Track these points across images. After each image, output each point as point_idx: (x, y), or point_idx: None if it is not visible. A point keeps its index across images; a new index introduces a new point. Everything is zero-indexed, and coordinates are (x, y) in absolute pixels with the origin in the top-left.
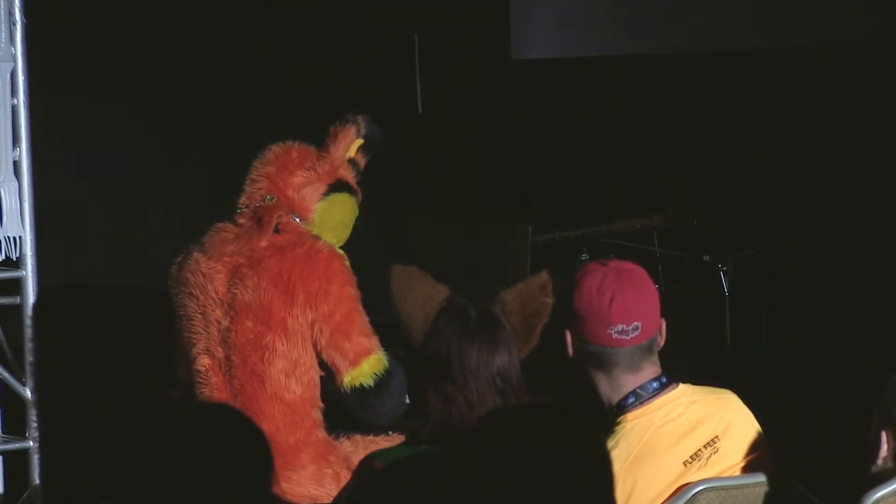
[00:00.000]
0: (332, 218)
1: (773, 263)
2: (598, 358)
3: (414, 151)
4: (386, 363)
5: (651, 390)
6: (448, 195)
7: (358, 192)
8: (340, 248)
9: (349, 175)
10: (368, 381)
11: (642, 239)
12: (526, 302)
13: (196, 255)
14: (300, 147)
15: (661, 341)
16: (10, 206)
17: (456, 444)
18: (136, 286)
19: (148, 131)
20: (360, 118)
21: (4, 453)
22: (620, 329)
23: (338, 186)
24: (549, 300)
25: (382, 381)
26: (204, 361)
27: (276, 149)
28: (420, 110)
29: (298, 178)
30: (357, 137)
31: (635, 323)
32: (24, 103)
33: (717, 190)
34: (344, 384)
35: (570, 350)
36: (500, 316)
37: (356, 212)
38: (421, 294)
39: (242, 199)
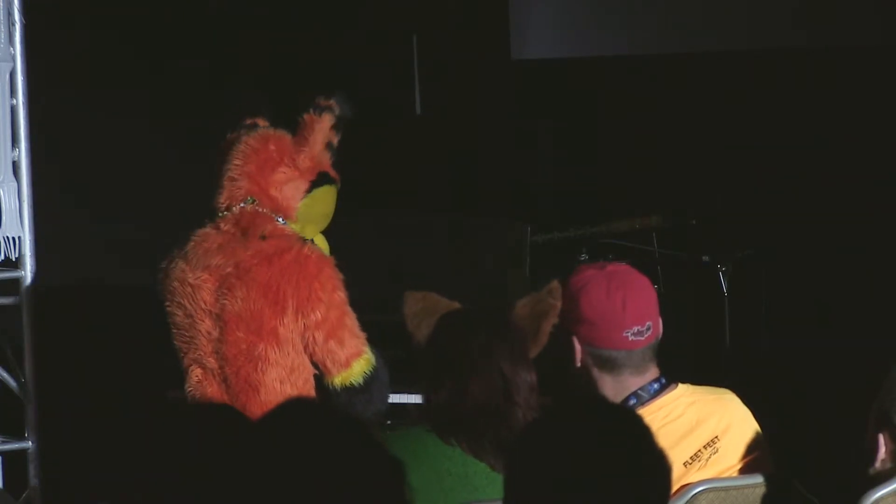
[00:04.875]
0: (315, 212)
1: (773, 263)
2: (609, 362)
3: (413, 151)
4: (374, 361)
5: (652, 391)
6: (447, 195)
7: (336, 178)
8: (323, 233)
9: (327, 161)
10: (359, 381)
11: (642, 239)
12: (535, 304)
13: (181, 263)
14: (276, 138)
15: (659, 339)
16: (9, 206)
17: (448, 423)
18: (135, 286)
19: (148, 131)
20: (332, 103)
21: (4, 454)
22: (636, 331)
23: (319, 181)
24: (557, 302)
25: (371, 379)
26: (197, 372)
27: (251, 142)
28: (419, 110)
29: (279, 176)
30: (332, 121)
31: (648, 323)
32: (23, 103)
33: (717, 190)
34: (335, 384)
35: (579, 358)
36: (506, 315)
37: (335, 198)
38: (432, 305)
39: (223, 199)
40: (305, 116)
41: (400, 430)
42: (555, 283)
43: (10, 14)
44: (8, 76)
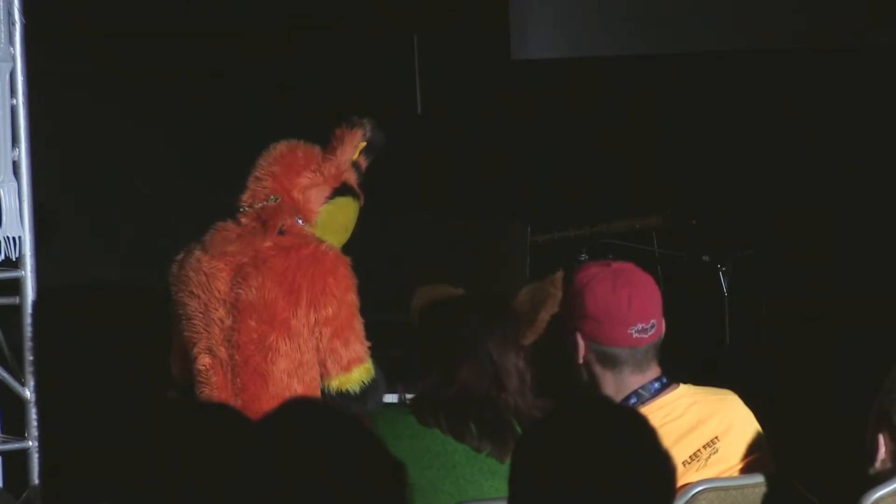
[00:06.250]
0: (335, 221)
1: (773, 263)
2: (612, 359)
3: (414, 151)
4: (373, 373)
5: (653, 390)
6: (447, 195)
7: (360, 196)
8: (341, 249)
9: (352, 178)
10: (355, 388)
11: (642, 239)
12: (536, 292)
13: (197, 253)
14: (305, 147)
15: (661, 338)
16: (9, 206)
17: (430, 402)
18: (135, 286)
19: (148, 131)
20: (365, 121)
21: (4, 453)
22: (640, 328)
23: (342, 190)
24: (558, 292)
25: (368, 390)
26: (205, 360)
27: (281, 147)
28: (420, 110)
29: (304, 180)
30: (362, 140)
31: (652, 321)
32: (23, 103)
33: (717, 190)
34: (331, 387)
35: (582, 355)
36: (505, 304)
37: (357, 214)
38: (437, 295)
39: (245, 197)
40: (337, 130)
41: (381, 411)
42: (559, 273)
43: (10, 14)
44: (8, 76)
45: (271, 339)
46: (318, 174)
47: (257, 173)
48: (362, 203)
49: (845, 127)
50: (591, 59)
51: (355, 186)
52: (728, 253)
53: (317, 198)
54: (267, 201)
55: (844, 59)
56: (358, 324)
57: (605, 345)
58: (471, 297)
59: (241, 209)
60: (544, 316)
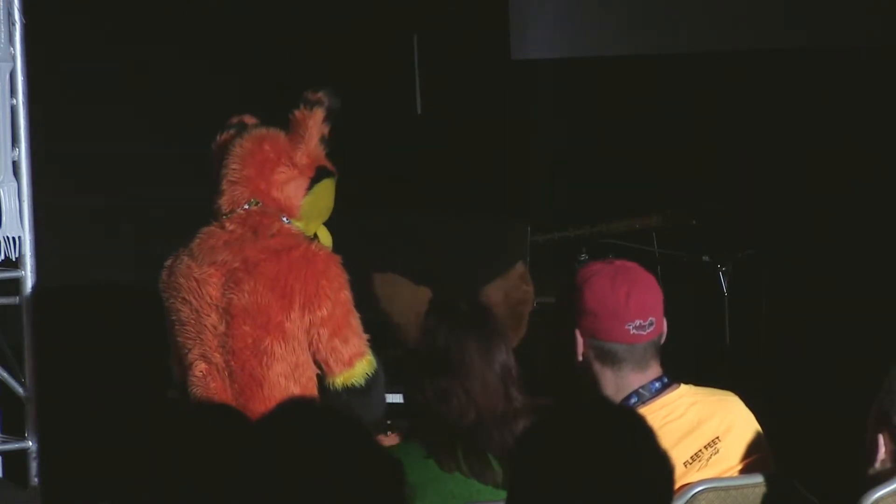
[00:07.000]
0: (317, 207)
1: (773, 263)
2: (610, 356)
3: (413, 152)
4: (375, 364)
5: (653, 390)
6: (447, 195)
7: (334, 170)
8: (325, 224)
9: (322, 155)
10: (360, 382)
11: (641, 239)
12: (509, 292)
13: (186, 259)
14: (270, 137)
15: (663, 339)
16: (9, 206)
17: (449, 438)
18: (135, 286)
19: (148, 131)
20: (322, 96)
21: (4, 453)
22: (638, 324)
23: (318, 176)
24: (531, 288)
25: (372, 381)
26: (201, 367)
27: (246, 144)
28: (420, 110)
29: (280, 176)
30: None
31: (651, 318)
32: (23, 103)
33: (717, 190)
34: (336, 384)
35: (581, 351)
36: (490, 309)
37: (335, 189)
38: (406, 296)
39: (224, 202)
40: (297, 113)
41: (397, 451)
42: (522, 268)
43: (10, 14)
44: (8, 76)
45: (266, 343)
46: (292, 167)
47: (231, 177)
48: (336, 174)
49: (845, 127)
50: (591, 59)
51: (327, 163)
52: (728, 253)
53: (296, 192)
54: (249, 205)
55: (844, 59)
56: (354, 320)
57: (603, 340)
58: (463, 311)
59: (224, 215)
60: (526, 315)
